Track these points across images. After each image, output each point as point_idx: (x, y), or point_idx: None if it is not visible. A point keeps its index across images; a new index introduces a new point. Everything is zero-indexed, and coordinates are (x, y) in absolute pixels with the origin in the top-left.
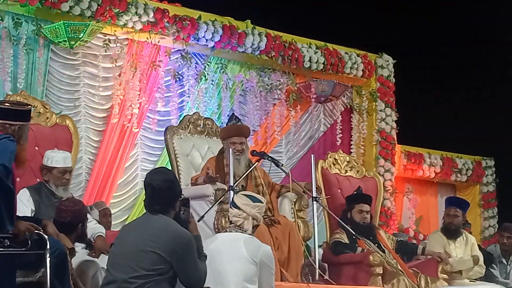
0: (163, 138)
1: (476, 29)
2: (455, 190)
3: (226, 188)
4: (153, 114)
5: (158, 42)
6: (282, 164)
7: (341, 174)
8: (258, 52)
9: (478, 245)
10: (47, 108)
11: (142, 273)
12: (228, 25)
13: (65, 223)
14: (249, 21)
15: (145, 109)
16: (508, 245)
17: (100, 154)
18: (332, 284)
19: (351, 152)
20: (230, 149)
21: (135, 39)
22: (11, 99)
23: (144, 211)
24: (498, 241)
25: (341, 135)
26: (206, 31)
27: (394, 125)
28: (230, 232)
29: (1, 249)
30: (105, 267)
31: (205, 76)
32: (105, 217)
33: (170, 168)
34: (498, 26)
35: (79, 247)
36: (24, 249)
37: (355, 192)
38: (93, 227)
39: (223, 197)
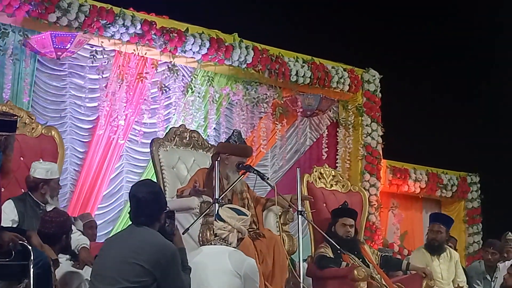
0: (149, 150)
1: (462, 45)
2: (440, 205)
3: (211, 201)
4: (139, 126)
5: (145, 54)
6: (268, 178)
7: (327, 188)
8: (245, 65)
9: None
10: (32, 119)
11: (125, 285)
12: (215, 38)
13: (49, 234)
14: (236, 34)
15: (131, 121)
16: (492, 261)
17: (86, 165)
18: None
19: (337, 167)
20: (217, 163)
21: (122, 51)
22: None
23: (129, 223)
24: (483, 257)
25: (327, 149)
26: (193, 43)
27: (380, 140)
28: (214, 245)
29: None
30: (89, 279)
31: (191, 89)
32: (90, 229)
33: (155, 180)
34: (483, 42)
35: (63, 258)
36: (7, 259)
37: (340, 206)
38: (77, 239)
39: (208, 209)
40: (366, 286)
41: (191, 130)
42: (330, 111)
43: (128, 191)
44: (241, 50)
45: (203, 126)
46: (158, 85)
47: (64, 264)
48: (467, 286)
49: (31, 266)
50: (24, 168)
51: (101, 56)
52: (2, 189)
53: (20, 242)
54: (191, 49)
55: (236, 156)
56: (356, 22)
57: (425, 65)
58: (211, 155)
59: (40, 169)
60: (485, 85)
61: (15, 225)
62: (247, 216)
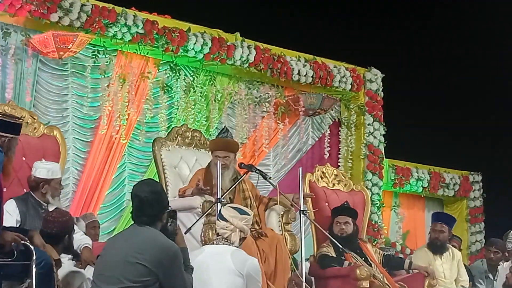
0: (151, 149)
1: (464, 45)
2: (442, 204)
3: (214, 200)
4: (141, 126)
5: (147, 53)
6: (270, 177)
7: (329, 187)
8: (247, 64)
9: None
10: (35, 119)
11: (128, 285)
12: (217, 37)
13: (51, 234)
14: (238, 33)
15: (133, 121)
16: (495, 260)
17: (88, 165)
18: None
19: (339, 166)
20: (218, 162)
21: (124, 51)
22: None
23: (131, 222)
24: (485, 256)
25: (329, 148)
26: (195, 43)
27: (382, 139)
28: (217, 244)
29: None
30: (91, 278)
31: (193, 88)
32: (93, 229)
33: (157, 180)
34: (485, 41)
35: (65, 258)
36: (10, 259)
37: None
38: (80, 239)
39: (210, 209)
40: (368, 285)
41: (193, 130)
42: (332, 110)
43: (130, 191)
44: (243, 49)
45: (205, 125)
46: (160, 84)
47: (67, 264)
48: (470, 284)
49: (34, 266)
50: (26, 168)
51: (103, 56)
52: (4, 189)
53: (23, 242)
54: (193, 49)
55: (213, 151)
56: (358, 21)
57: (427, 64)
58: None
59: (42, 169)
60: (488, 84)
61: (17, 225)
62: (250, 215)
